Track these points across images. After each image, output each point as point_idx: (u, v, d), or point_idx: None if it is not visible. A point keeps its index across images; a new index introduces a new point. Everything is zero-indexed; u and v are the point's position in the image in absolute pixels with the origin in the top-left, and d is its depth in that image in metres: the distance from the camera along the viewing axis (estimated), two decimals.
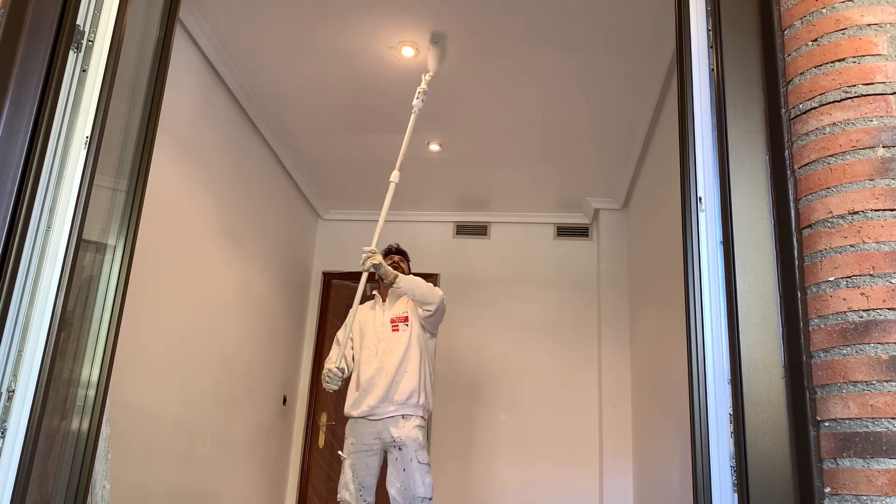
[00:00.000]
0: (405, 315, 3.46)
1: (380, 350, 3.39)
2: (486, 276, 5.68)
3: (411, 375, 3.33)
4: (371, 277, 3.45)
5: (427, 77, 3.54)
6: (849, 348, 1.34)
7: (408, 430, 3.24)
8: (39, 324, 1.59)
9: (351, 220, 5.91)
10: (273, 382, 5.05)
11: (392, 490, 3.19)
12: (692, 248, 1.64)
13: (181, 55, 3.51)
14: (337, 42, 3.71)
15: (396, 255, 3.70)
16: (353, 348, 3.54)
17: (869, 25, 1.45)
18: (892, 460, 1.26)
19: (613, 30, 3.49)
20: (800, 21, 1.54)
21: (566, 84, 3.97)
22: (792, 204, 1.48)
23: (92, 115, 1.72)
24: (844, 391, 1.32)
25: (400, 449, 3.23)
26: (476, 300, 5.58)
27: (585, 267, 5.61)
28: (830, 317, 1.37)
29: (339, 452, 3.40)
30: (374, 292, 3.64)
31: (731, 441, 1.47)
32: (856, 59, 1.44)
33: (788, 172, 1.50)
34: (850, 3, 1.48)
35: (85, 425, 1.77)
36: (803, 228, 1.45)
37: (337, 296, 5.85)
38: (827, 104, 1.46)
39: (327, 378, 3.35)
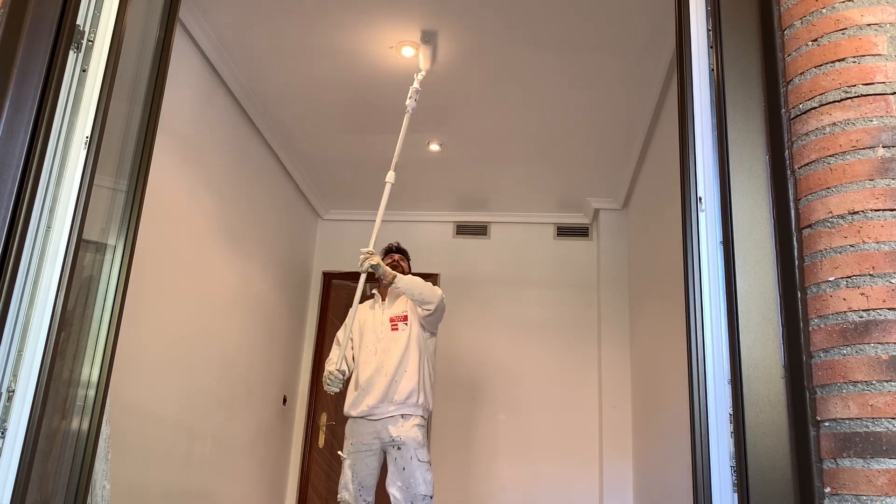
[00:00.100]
0: (404, 314, 3.46)
1: (379, 349, 3.38)
2: (486, 276, 5.68)
3: (411, 375, 3.32)
4: (370, 277, 3.45)
5: (419, 76, 3.54)
6: (849, 348, 1.34)
7: (407, 430, 3.24)
8: (39, 324, 1.59)
9: (351, 220, 5.91)
10: (273, 382, 5.05)
11: (393, 490, 3.19)
12: (692, 248, 1.64)
13: (181, 55, 3.51)
14: (337, 42, 3.72)
15: (396, 253, 3.70)
16: (352, 348, 3.53)
17: (869, 25, 1.45)
18: (892, 460, 1.26)
19: (613, 30, 3.49)
20: (800, 21, 1.54)
21: (566, 84, 3.97)
22: (792, 204, 1.48)
23: (92, 115, 1.72)
24: (844, 391, 1.32)
25: (399, 448, 3.23)
26: (476, 300, 5.58)
27: (585, 267, 5.61)
28: (830, 317, 1.37)
29: (339, 453, 3.40)
30: (374, 291, 3.64)
31: (731, 441, 1.47)
32: (856, 59, 1.44)
33: (788, 172, 1.50)
34: (850, 3, 1.48)
35: (85, 425, 1.77)
36: (803, 228, 1.45)
37: (337, 296, 5.85)
38: (827, 104, 1.45)
39: (328, 380, 3.35)
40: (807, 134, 1.48)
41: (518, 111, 4.29)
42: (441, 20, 3.51)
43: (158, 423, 3.47)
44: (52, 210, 1.65)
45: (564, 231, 5.75)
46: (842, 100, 1.44)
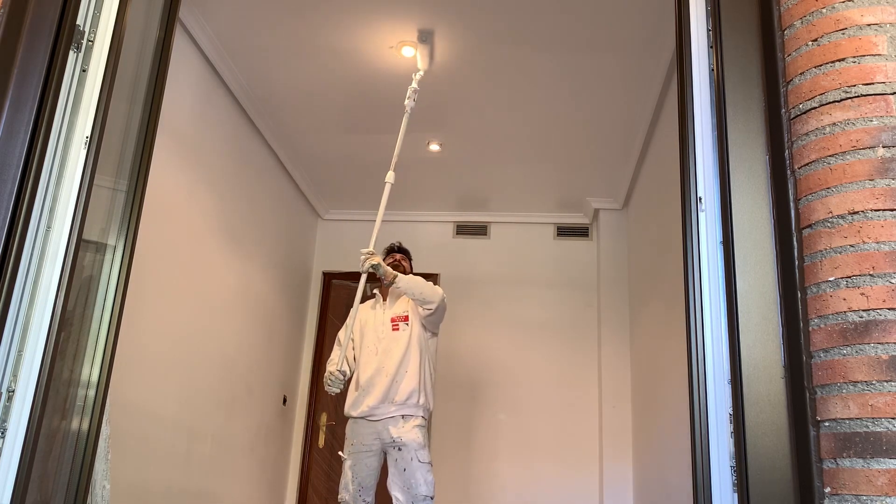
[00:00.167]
0: (405, 314, 3.45)
1: (380, 349, 3.37)
2: (486, 276, 5.68)
3: (411, 375, 3.31)
4: (371, 277, 3.45)
5: (417, 76, 3.54)
6: (849, 348, 1.34)
7: (408, 431, 3.23)
8: (39, 324, 1.59)
9: (351, 220, 5.91)
10: (273, 382, 5.05)
11: (394, 490, 3.18)
12: (692, 248, 1.64)
13: (181, 55, 3.51)
14: (337, 42, 3.72)
15: (398, 253, 3.69)
16: (353, 349, 3.52)
17: (869, 25, 1.45)
18: (892, 460, 1.26)
19: (614, 30, 3.49)
20: (800, 21, 1.54)
21: (566, 84, 3.97)
22: (792, 204, 1.48)
23: (92, 115, 1.72)
24: (844, 391, 1.32)
25: (399, 449, 3.22)
26: (476, 300, 5.58)
27: (585, 267, 5.61)
28: (830, 317, 1.37)
29: (340, 453, 3.39)
30: (375, 291, 3.63)
31: (731, 441, 1.47)
32: (856, 59, 1.44)
33: (788, 172, 1.50)
34: (850, 3, 1.48)
35: (85, 425, 1.77)
36: (803, 228, 1.45)
37: (337, 296, 5.85)
38: (827, 104, 1.45)
39: (329, 381, 3.34)
40: (807, 134, 1.48)
41: (518, 111, 4.29)
42: (441, 20, 3.51)
43: (158, 423, 3.47)
44: (52, 210, 1.65)
45: (564, 231, 5.75)
46: (842, 100, 1.44)
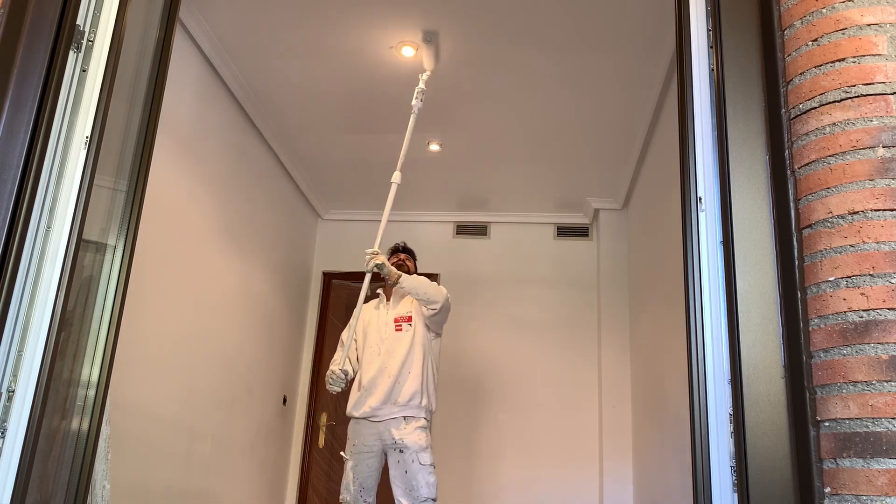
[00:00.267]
0: (409, 315, 3.43)
1: (382, 350, 3.36)
2: (486, 276, 5.68)
3: (414, 376, 3.29)
4: (375, 277, 3.43)
5: (424, 77, 3.53)
6: (849, 348, 1.34)
7: (410, 433, 3.21)
8: (39, 324, 1.59)
9: (351, 220, 5.91)
10: (273, 382, 5.05)
11: (397, 492, 3.17)
12: (692, 248, 1.64)
13: (181, 55, 3.51)
14: (337, 42, 3.72)
15: (402, 253, 3.68)
16: (356, 349, 3.51)
17: (869, 25, 1.45)
18: (892, 460, 1.26)
19: (613, 30, 3.49)
20: (800, 21, 1.54)
21: (566, 84, 3.97)
22: (792, 204, 1.48)
23: (92, 115, 1.72)
24: (844, 391, 1.32)
25: (401, 451, 3.20)
26: (476, 300, 5.58)
27: (585, 267, 5.61)
28: (830, 317, 1.37)
29: (342, 453, 3.37)
30: (379, 291, 3.61)
31: (731, 441, 1.47)
32: (856, 59, 1.44)
33: (788, 172, 1.50)
34: (850, 3, 1.48)
35: (85, 425, 1.77)
36: (803, 228, 1.45)
37: (337, 296, 5.85)
38: (827, 104, 1.45)
39: (330, 380, 3.33)
40: (807, 134, 1.48)
41: (518, 111, 4.29)
42: (441, 20, 3.51)
43: (158, 423, 3.47)
44: (52, 210, 1.65)
45: (564, 231, 5.75)
46: (842, 100, 1.44)
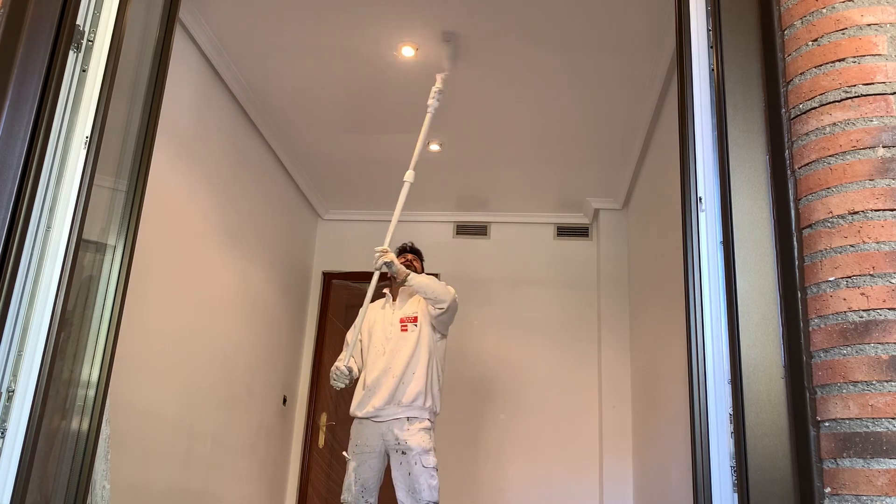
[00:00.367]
0: (415, 315, 3.42)
1: (387, 350, 3.34)
2: (486, 276, 5.67)
3: (419, 377, 3.27)
4: (383, 277, 3.42)
5: (442, 76, 3.52)
6: (849, 348, 1.34)
7: (413, 434, 3.19)
8: (39, 324, 1.59)
9: (351, 220, 5.91)
10: (273, 382, 5.05)
11: (399, 493, 3.15)
12: (692, 248, 1.64)
13: (181, 55, 3.51)
14: (337, 42, 3.71)
15: (410, 253, 3.67)
16: (362, 349, 3.51)
17: (869, 25, 1.45)
18: (892, 460, 1.26)
19: (613, 29, 3.49)
20: (800, 21, 1.54)
21: (566, 84, 3.97)
22: (792, 204, 1.48)
23: (92, 115, 1.72)
24: (844, 391, 1.32)
25: (404, 453, 3.18)
26: (476, 300, 5.58)
27: (585, 267, 5.60)
28: (830, 317, 1.37)
29: (344, 454, 3.36)
30: (385, 291, 3.60)
31: (731, 441, 1.47)
32: (856, 59, 1.44)
33: (788, 172, 1.50)
34: (850, 3, 1.48)
35: (85, 425, 1.77)
36: (803, 228, 1.45)
37: (337, 296, 5.84)
38: (827, 104, 1.45)
39: (334, 375, 3.32)
40: (807, 134, 1.48)
41: (518, 111, 4.29)
42: (440, 21, 3.51)
43: (158, 423, 3.47)
44: (52, 210, 1.65)
45: (564, 231, 5.74)
46: (842, 100, 1.44)
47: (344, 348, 3.50)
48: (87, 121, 1.72)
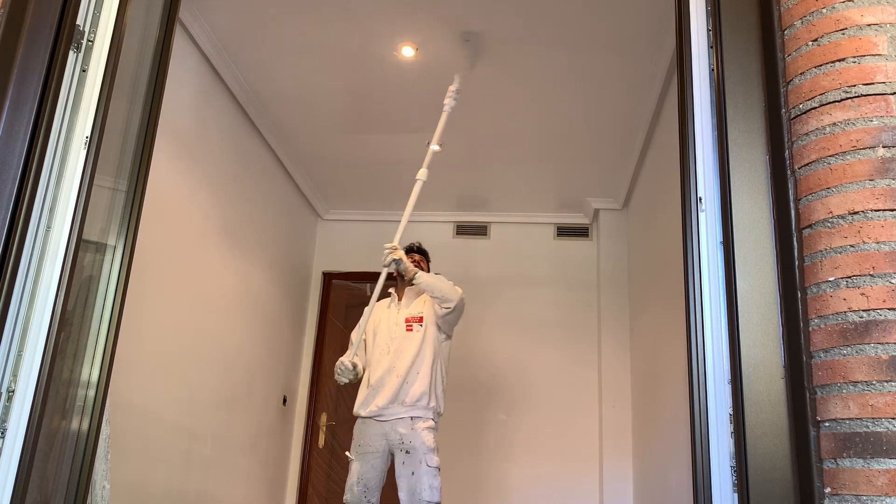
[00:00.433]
0: (420, 315, 3.41)
1: (392, 349, 3.34)
2: (486, 276, 5.67)
3: (423, 377, 3.27)
4: (389, 278, 3.42)
5: (459, 76, 3.50)
6: (849, 348, 1.34)
7: (417, 433, 3.19)
8: (39, 324, 1.59)
9: (351, 220, 5.91)
10: (273, 382, 5.05)
11: (402, 493, 3.15)
12: (692, 248, 1.64)
13: (181, 55, 3.51)
14: (337, 42, 3.71)
15: (417, 254, 3.67)
16: (366, 349, 3.50)
17: (869, 25, 1.45)
18: (892, 460, 1.26)
19: (613, 29, 3.49)
20: (800, 21, 1.54)
21: (566, 84, 3.97)
22: (792, 204, 1.48)
23: (92, 115, 1.72)
24: (844, 391, 1.32)
25: (408, 452, 3.18)
26: (476, 300, 5.56)
27: (585, 267, 5.60)
28: (830, 317, 1.37)
29: (347, 454, 3.35)
30: (391, 290, 3.59)
31: (731, 441, 1.47)
32: (856, 59, 1.44)
33: (788, 172, 1.50)
34: (850, 3, 1.48)
35: (85, 425, 1.77)
36: (803, 228, 1.45)
37: (337, 296, 5.84)
38: (827, 104, 1.46)
39: (338, 370, 3.31)
40: (807, 134, 1.48)
41: (518, 111, 4.29)
42: (440, 21, 3.51)
43: (158, 423, 3.47)
44: (52, 210, 1.65)
45: (564, 231, 5.74)
46: (842, 100, 1.44)
47: (349, 348, 3.50)
48: (87, 121, 1.72)
